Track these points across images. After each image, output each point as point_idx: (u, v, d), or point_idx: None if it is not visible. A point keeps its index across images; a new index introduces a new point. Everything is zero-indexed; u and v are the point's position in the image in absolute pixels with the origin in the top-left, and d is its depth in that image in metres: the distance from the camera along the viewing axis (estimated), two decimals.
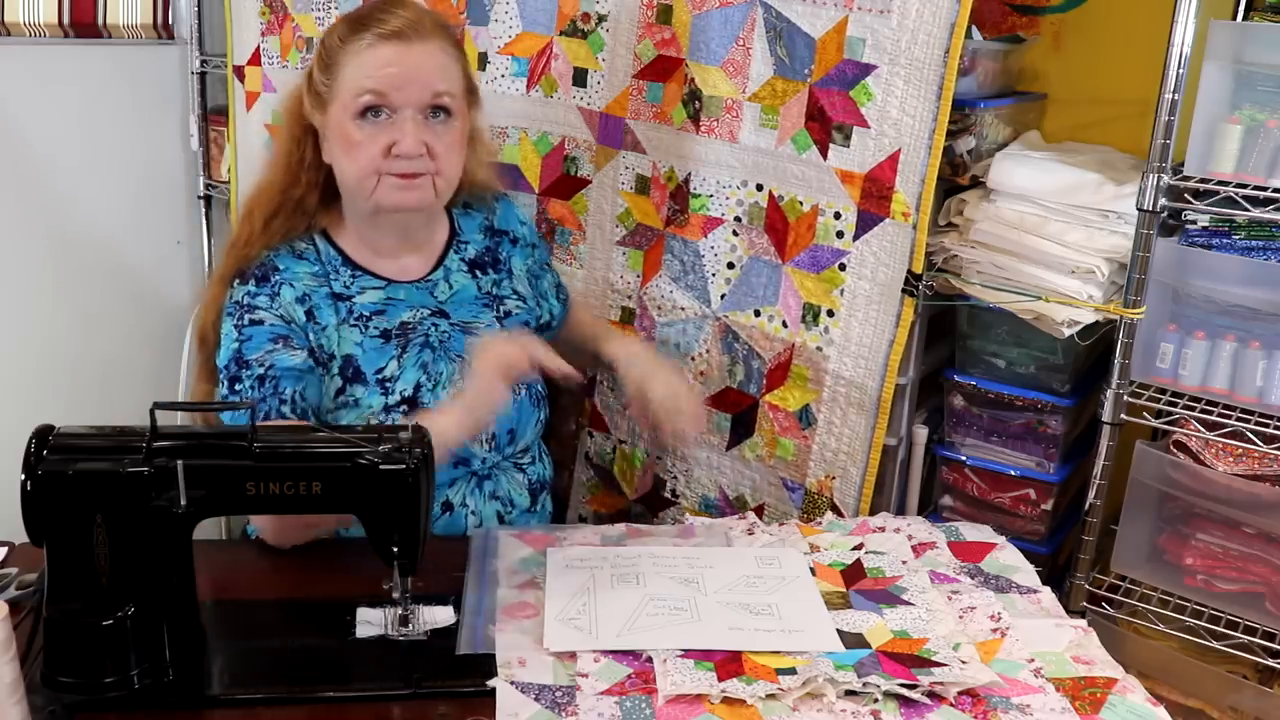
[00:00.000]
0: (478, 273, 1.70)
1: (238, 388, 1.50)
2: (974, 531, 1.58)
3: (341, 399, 1.55)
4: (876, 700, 1.18)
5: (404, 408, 1.56)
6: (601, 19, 1.93)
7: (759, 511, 1.91)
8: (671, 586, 1.39)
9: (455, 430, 1.45)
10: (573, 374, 1.52)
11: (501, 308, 1.70)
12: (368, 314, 1.58)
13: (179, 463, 1.17)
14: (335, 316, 1.56)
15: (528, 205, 2.10)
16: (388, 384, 1.56)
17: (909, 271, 1.69)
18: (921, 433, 1.88)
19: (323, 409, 1.55)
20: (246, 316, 1.53)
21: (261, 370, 1.49)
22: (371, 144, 1.51)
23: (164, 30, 2.59)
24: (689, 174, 1.88)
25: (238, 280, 1.56)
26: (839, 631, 1.30)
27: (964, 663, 1.24)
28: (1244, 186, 1.56)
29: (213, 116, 2.68)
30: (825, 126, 1.72)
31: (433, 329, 1.62)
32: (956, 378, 1.87)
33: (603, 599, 1.35)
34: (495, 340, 1.53)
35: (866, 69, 1.66)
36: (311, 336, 1.55)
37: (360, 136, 1.51)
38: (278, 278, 1.56)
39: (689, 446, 1.84)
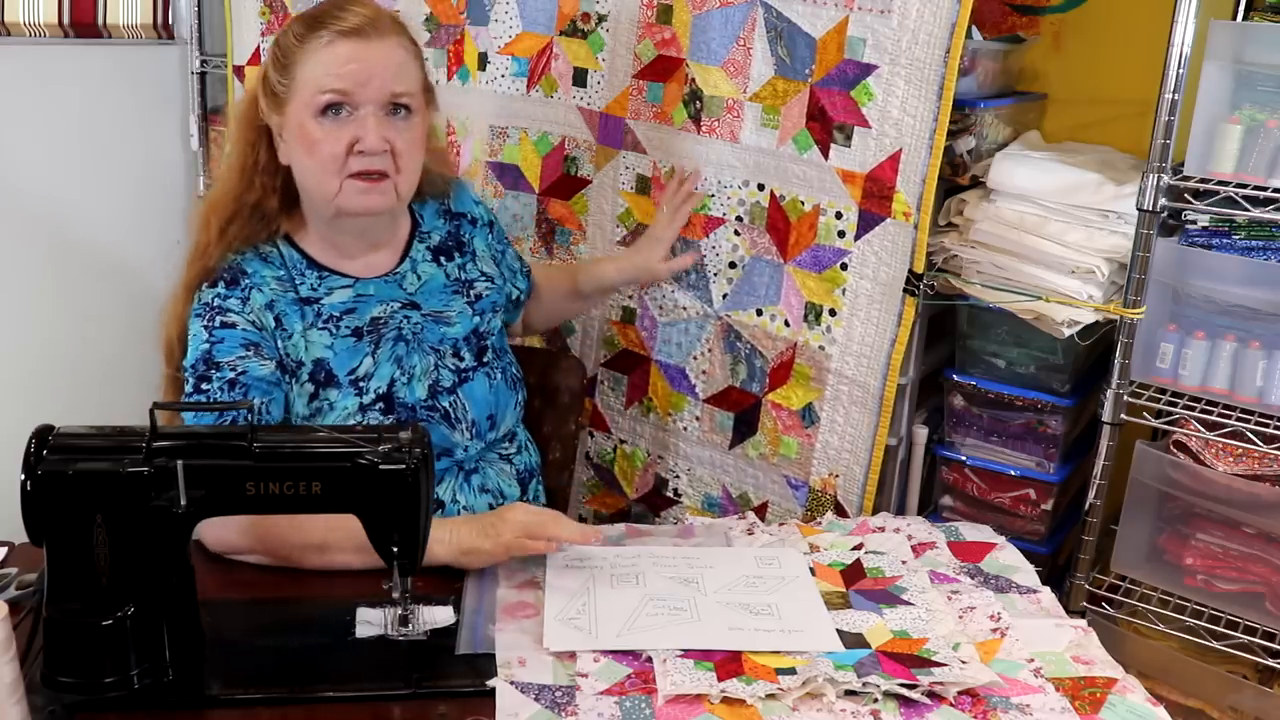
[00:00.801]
0: (443, 259, 1.69)
1: (205, 388, 1.48)
2: (974, 531, 1.57)
3: (315, 404, 1.54)
4: (876, 700, 1.18)
5: (380, 405, 1.55)
6: (601, 19, 1.94)
7: (761, 510, 1.91)
8: (671, 586, 1.39)
9: (441, 554, 1.42)
10: (593, 535, 1.46)
11: (471, 291, 1.69)
12: (338, 314, 1.57)
13: (179, 463, 1.17)
14: (302, 322, 1.55)
15: (528, 205, 2.10)
16: (361, 383, 1.55)
17: (910, 271, 1.69)
18: (921, 433, 1.88)
19: (296, 417, 1.54)
20: (218, 319, 1.51)
21: (233, 375, 1.48)
22: (333, 142, 1.49)
23: (164, 30, 2.59)
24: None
25: (206, 283, 1.54)
26: (839, 631, 1.30)
27: (964, 663, 1.24)
28: (1244, 186, 1.56)
29: (213, 116, 2.68)
30: (826, 126, 1.72)
31: (404, 321, 1.61)
32: (956, 378, 1.87)
33: (602, 598, 1.35)
34: (523, 508, 1.47)
35: (867, 69, 1.66)
36: (280, 344, 1.53)
37: (320, 134, 1.49)
38: (247, 281, 1.54)
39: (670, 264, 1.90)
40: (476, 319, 1.67)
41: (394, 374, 1.57)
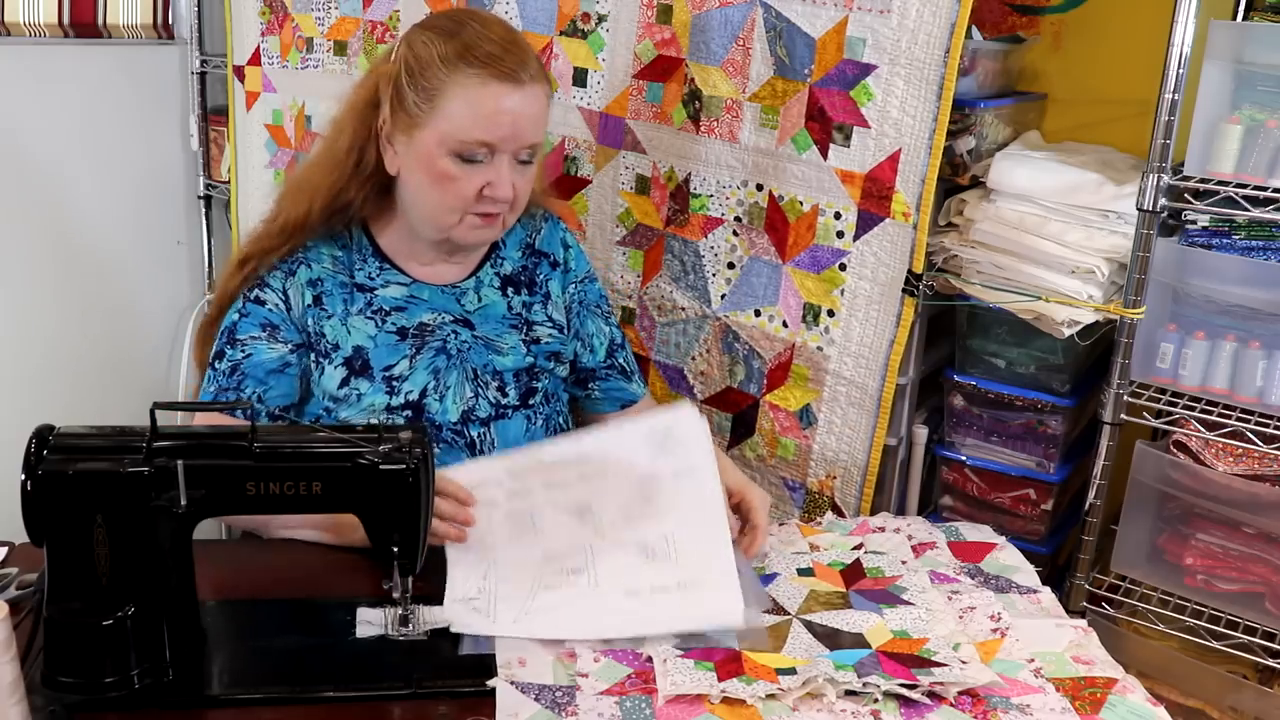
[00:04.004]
0: (509, 290, 1.66)
1: (218, 365, 1.54)
2: (974, 531, 1.58)
3: (344, 391, 1.55)
4: (876, 700, 1.18)
5: (408, 412, 1.55)
6: (601, 19, 1.94)
7: None
8: (568, 528, 1.38)
9: (308, 533, 1.47)
10: (454, 536, 1.38)
11: (531, 332, 1.65)
12: (387, 309, 1.58)
13: (179, 463, 1.17)
14: (348, 306, 1.56)
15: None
16: (394, 383, 1.55)
17: (909, 271, 1.69)
18: (921, 433, 1.88)
19: (324, 394, 1.55)
20: (255, 291, 1.56)
21: (240, 356, 1.53)
22: (466, 183, 1.48)
23: (164, 30, 2.59)
24: (689, 174, 1.88)
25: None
26: (840, 631, 1.30)
27: (964, 663, 1.24)
28: (1244, 186, 1.56)
29: (213, 116, 2.68)
30: (825, 126, 1.72)
31: (452, 336, 1.60)
32: (956, 378, 1.87)
33: (502, 563, 1.35)
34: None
35: (867, 69, 1.66)
36: (311, 323, 1.55)
37: (455, 173, 1.48)
38: (301, 255, 1.57)
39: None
40: (530, 359, 1.64)
41: (428, 384, 1.56)
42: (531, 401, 1.64)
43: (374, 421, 1.53)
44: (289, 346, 1.55)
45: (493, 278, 1.66)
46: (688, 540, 1.37)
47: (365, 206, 1.59)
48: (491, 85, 1.45)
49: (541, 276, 1.70)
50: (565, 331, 1.70)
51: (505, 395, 1.61)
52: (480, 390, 1.60)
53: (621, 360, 1.78)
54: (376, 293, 1.58)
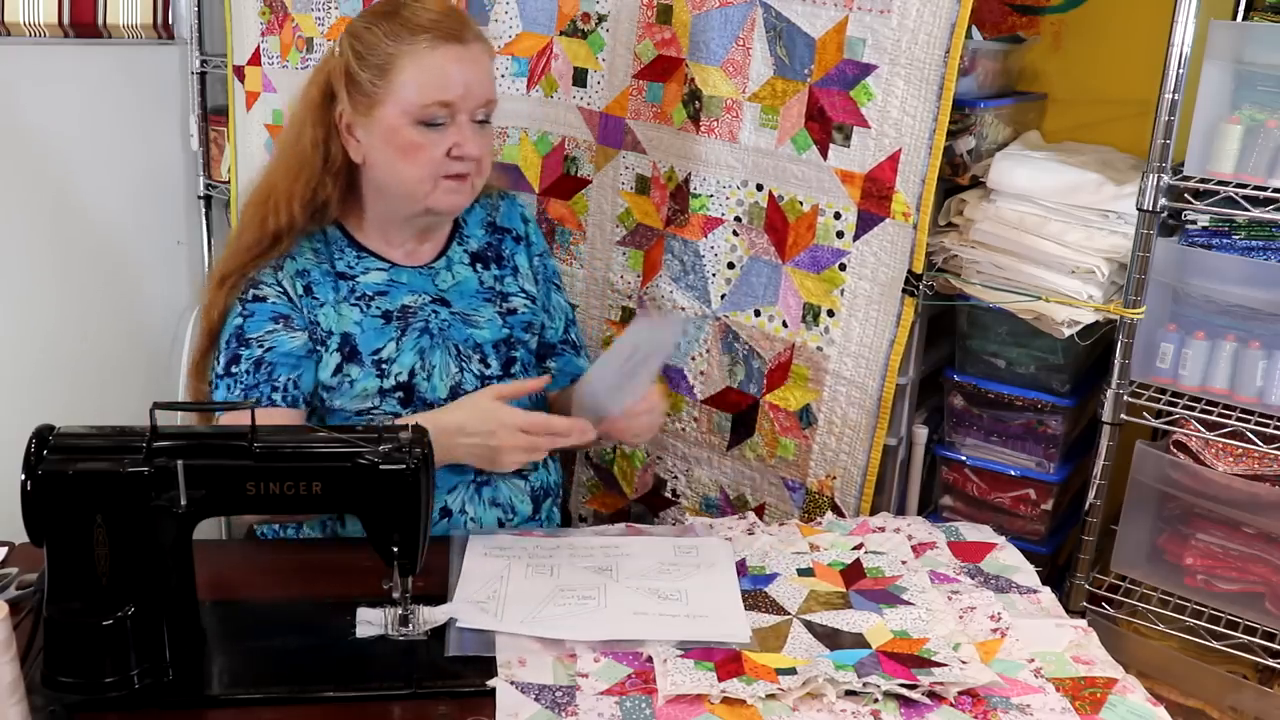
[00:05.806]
0: (479, 266, 1.69)
1: (234, 370, 1.51)
2: (974, 531, 1.58)
3: (338, 378, 1.56)
4: (876, 700, 1.18)
5: (399, 394, 1.56)
6: (601, 19, 1.94)
7: (759, 511, 1.91)
8: (585, 576, 1.40)
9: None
10: (583, 440, 1.51)
11: (505, 304, 1.69)
12: (370, 294, 1.59)
13: (179, 463, 1.17)
14: (335, 293, 1.57)
15: (528, 205, 2.09)
16: (384, 366, 1.56)
17: (909, 271, 1.69)
18: (921, 433, 1.88)
19: (320, 384, 1.56)
20: (251, 292, 1.55)
21: (261, 351, 1.51)
22: (434, 148, 1.51)
23: (164, 30, 2.59)
24: (689, 174, 1.88)
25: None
26: (840, 631, 1.30)
27: (964, 663, 1.24)
28: (1244, 186, 1.56)
29: (213, 116, 2.68)
30: (825, 126, 1.72)
31: (433, 315, 1.62)
32: (956, 378, 1.87)
33: (514, 585, 1.37)
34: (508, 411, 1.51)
35: (867, 69, 1.66)
36: (308, 312, 1.56)
37: (422, 140, 1.51)
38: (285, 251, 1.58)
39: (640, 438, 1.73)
40: (506, 330, 1.67)
41: (415, 364, 1.58)
42: (513, 371, 1.66)
43: (368, 406, 1.55)
44: (305, 334, 1.55)
45: (461, 255, 1.69)
46: (699, 593, 1.37)
47: (337, 205, 1.60)
48: (440, 47, 1.50)
49: (508, 251, 1.73)
50: (536, 302, 1.74)
51: (488, 367, 1.64)
52: (464, 365, 1.62)
53: (574, 335, 1.83)
54: (358, 279, 1.60)
